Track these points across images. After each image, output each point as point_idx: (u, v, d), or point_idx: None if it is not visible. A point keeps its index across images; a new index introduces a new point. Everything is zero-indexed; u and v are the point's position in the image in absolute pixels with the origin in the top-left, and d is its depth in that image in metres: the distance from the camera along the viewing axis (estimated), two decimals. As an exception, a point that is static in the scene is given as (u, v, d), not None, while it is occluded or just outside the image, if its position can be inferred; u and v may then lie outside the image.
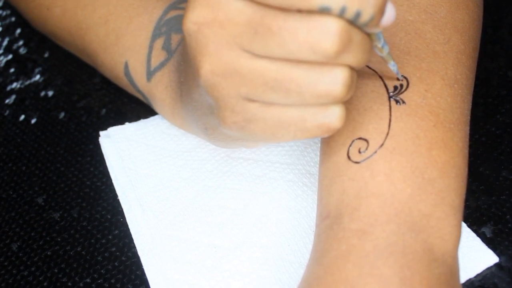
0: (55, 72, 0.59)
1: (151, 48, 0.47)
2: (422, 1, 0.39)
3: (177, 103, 0.45)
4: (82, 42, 0.52)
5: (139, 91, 0.49)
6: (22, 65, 0.61)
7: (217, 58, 0.31)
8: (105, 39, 0.50)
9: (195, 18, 0.30)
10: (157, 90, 0.47)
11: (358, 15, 0.28)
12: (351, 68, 0.30)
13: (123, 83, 0.51)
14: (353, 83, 0.31)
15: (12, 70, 0.61)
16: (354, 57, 0.30)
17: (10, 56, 0.62)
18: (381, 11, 0.29)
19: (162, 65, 0.46)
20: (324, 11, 0.28)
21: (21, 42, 0.64)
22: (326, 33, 0.28)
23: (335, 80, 0.30)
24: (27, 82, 0.59)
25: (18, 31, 0.65)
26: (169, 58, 0.46)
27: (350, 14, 0.28)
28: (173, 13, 0.48)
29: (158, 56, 0.47)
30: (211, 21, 0.30)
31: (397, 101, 0.36)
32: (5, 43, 0.64)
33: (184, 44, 0.34)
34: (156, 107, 0.49)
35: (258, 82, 0.31)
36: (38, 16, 0.56)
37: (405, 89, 0.36)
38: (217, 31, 0.30)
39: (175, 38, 0.46)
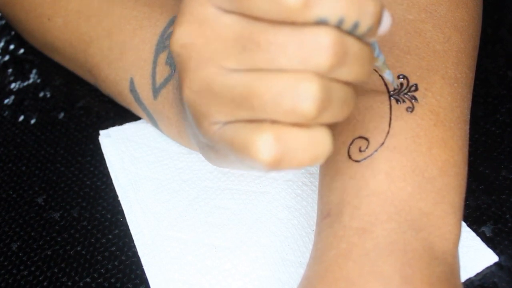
0: (52, 72, 0.59)
1: (155, 63, 0.45)
2: (422, 0, 0.39)
3: (182, 121, 0.44)
4: (84, 55, 0.50)
5: (145, 109, 0.47)
6: (19, 66, 0.61)
7: (195, 75, 0.29)
8: (109, 53, 0.48)
9: (182, 35, 0.29)
10: (163, 108, 0.45)
11: (356, 26, 0.26)
12: (328, 82, 0.27)
13: (127, 100, 0.49)
14: (329, 100, 0.27)
15: (9, 71, 0.61)
16: (351, 71, 0.27)
17: (7, 57, 0.62)
18: (378, 20, 0.27)
19: (166, 81, 0.44)
20: (320, 23, 0.26)
21: (17, 43, 0.64)
22: (319, 47, 0.26)
23: (302, 94, 0.27)
24: (26, 83, 0.59)
25: (14, 32, 0.65)
26: (172, 74, 0.44)
27: (347, 25, 0.26)
28: None
29: (163, 71, 0.45)
30: (197, 37, 0.29)
31: (397, 100, 0.36)
32: (1, 44, 0.64)
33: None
34: (162, 126, 0.47)
35: (226, 99, 0.29)
36: (38, 27, 0.53)
37: (405, 88, 0.36)
38: (202, 47, 0.29)
39: None
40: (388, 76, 0.35)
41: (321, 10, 0.26)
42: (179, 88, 0.33)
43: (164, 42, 0.45)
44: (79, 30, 0.49)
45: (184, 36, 0.29)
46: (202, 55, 0.29)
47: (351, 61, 0.27)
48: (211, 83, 0.29)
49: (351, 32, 0.27)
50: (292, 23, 0.26)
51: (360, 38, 0.28)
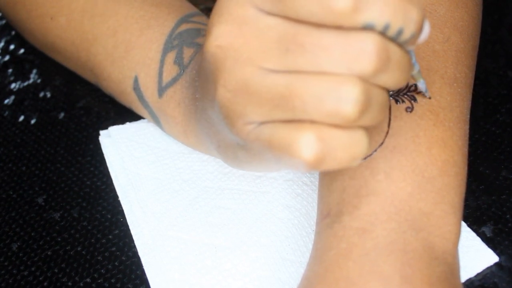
0: (53, 72, 0.59)
1: (162, 62, 0.45)
2: (422, 0, 0.39)
3: (190, 120, 0.43)
4: (87, 54, 0.50)
5: (147, 107, 0.47)
6: (19, 66, 0.61)
7: (231, 75, 0.29)
8: (113, 51, 0.48)
9: (220, 35, 0.29)
10: (168, 107, 0.45)
11: (400, 32, 0.27)
12: (369, 86, 0.28)
13: (129, 99, 0.49)
14: (369, 104, 0.28)
15: (10, 71, 0.61)
16: (392, 77, 0.28)
17: (7, 57, 0.62)
18: (420, 28, 0.28)
19: (174, 80, 0.44)
20: (367, 28, 0.26)
21: (17, 43, 0.64)
22: (364, 52, 0.26)
23: (345, 97, 0.27)
24: (26, 83, 0.59)
25: (14, 32, 0.65)
26: (181, 74, 0.44)
27: (392, 31, 0.27)
28: (184, 27, 0.46)
29: (170, 71, 0.45)
30: (236, 38, 0.29)
31: (396, 100, 0.36)
32: (1, 44, 0.64)
33: (202, 59, 0.33)
34: (166, 125, 0.47)
35: (263, 99, 0.29)
36: (39, 26, 0.53)
37: (405, 88, 0.36)
38: (240, 48, 0.29)
39: (187, 52, 0.45)
40: (422, 85, 0.35)
41: (369, 15, 0.26)
42: (207, 88, 0.33)
43: (172, 42, 0.45)
44: (83, 28, 0.49)
45: (222, 36, 0.29)
46: (240, 55, 0.29)
47: (393, 67, 0.28)
48: (248, 83, 0.29)
49: (394, 39, 0.27)
50: (338, 27, 0.26)
51: (401, 46, 0.28)
